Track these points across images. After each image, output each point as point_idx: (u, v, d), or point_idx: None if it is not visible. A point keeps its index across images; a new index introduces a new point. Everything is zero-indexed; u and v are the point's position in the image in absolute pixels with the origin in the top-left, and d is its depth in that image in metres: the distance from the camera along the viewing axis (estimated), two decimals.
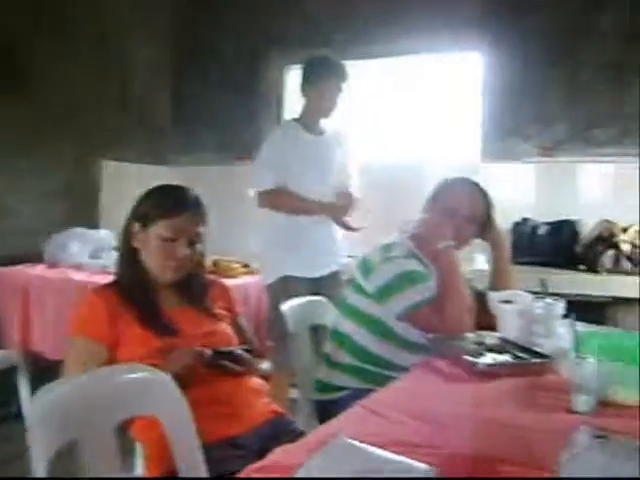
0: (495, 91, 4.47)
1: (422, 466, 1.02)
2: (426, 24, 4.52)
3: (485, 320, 2.30)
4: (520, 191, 4.40)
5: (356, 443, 1.10)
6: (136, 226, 2.05)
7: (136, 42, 5.01)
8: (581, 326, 2.17)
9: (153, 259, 2.04)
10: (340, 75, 3.62)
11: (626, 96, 4.13)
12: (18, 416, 3.63)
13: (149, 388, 1.58)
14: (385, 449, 1.13)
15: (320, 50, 4.43)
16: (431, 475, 1.01)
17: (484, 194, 2.52)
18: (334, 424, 1.46)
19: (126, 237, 2.08)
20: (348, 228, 3.70)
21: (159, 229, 2.01)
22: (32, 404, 1.37)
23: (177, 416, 1.62)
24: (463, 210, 2.43)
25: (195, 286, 2.15)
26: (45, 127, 4.31)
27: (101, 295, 2.01)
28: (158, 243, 2.02)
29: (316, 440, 1.26)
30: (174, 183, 2.18)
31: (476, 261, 3.44)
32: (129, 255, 2.08)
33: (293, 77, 5.26)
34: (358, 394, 1.82)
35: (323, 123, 3.74)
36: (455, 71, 4.77)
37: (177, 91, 5.39)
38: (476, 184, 2.53)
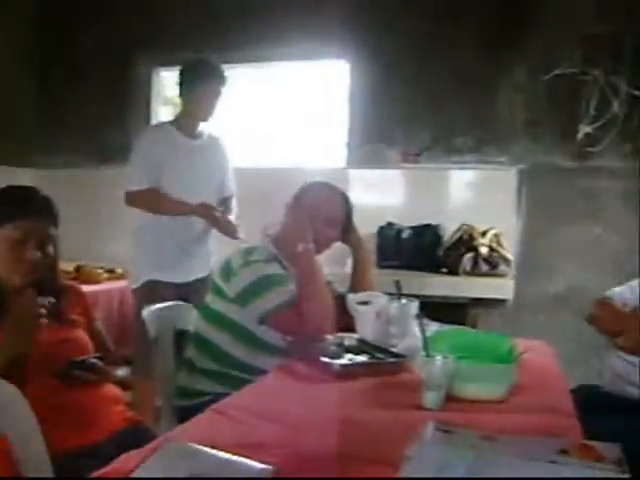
0: (360, 97, 4.57)
1: (259, 466, 1.02)
2: (290, 31, 4.58)
3: (345, 322, 2.34)
4: (385, 196, 4.51)
5: (192, 445, 1.09)
6: None
7: None
8: (437, 326, 2.24)
9: (2, 263, 1.96)
10: (219, 79, 3.57)
11: (485, 105, 4.31)
12: None
13: None
14: (229, 451, 1.12)
15: (187, 53, 4.41)
16: (267, 475, 1.01)
17: (344, 198, 2.57)
18: (179, 428, 1.44)
19: None
20: (232, 235, 3.59)
21: (6, 231, 1.94)
22: None
23: (23, 429, 1.55)
24: (322, 214, 2.46)
25: (48, 291, 2.07)
26: None
27: None
28: (6, 246, 1.94)
29: (154, 447, 1.24)
30: (40, 186, 2.10)
31: (347, 265, 3.49)
32: None
33: (161, 80, 5.22)
34: (219, 399, 1.81)
35: (201, 127, 3.66)
36: (323, 78, 4.85)
37: (43, 92, 5.20)
38: (335, 188, 2.57)
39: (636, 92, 3.95)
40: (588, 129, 4.05)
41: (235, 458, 1.05)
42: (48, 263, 2.02)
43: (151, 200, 3.49)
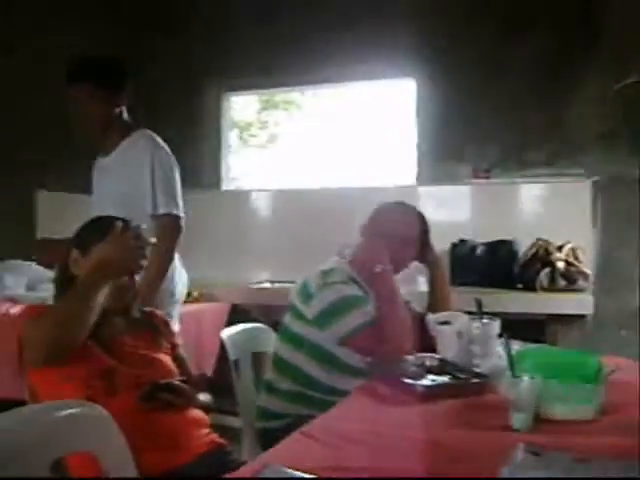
0: (428, 114, 4.56)
1: None
2: (356, 52, 4.60)
3: (425, 342, 2.32)
4: (456, 212, 4.48)
5: (289, 470, 1.09)
6: (75, 253, 2.03)
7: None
8: (518, 345, 2.20)
9: None
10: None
11: (555, 117, 4.25)
12: None
13: (85, 423, 1.54)
14: (322, 475, 1.12)
15: (254, 77, 4.47)
16: None
17: (420, 217, 2.56)
18: (271, 453, 1.45)
19: (65, 265, 2.05)
20: None
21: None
22: None
23: (114, 451, 1.58)
24: (399, 233, 2.45)
25: (136, 316, 2.14)
26: None
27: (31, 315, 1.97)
28: None
29: (251, 470, 1.25)
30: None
31: (418, 283, 3.47)
32: (68, 283, 2.04)
33: (231, 104, 5.30)
34: (300, 421, 1.81)
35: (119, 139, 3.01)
36: (389, 98, 4.86)
37: None
38: (411, 207, 2.57)
39: None
40: None
41: None
42: (134, 291, 2.08)
43: None
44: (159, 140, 2.99)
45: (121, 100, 2.99)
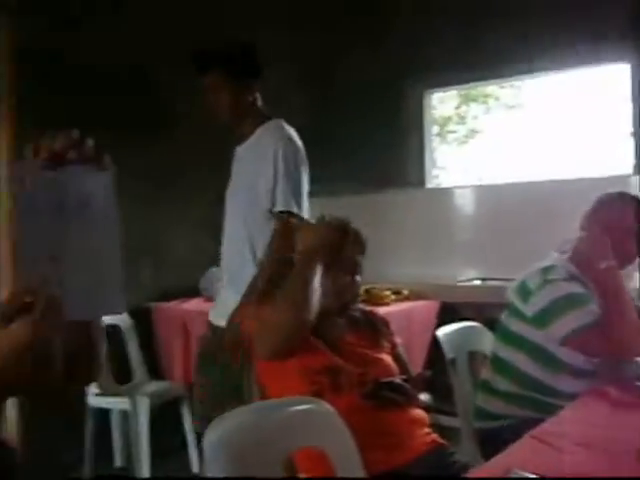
0: None
1: None
2: (569, 39, 4.39)
3: None
4: None
5: (532, 476, 1.07)
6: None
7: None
8: None
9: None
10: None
11: None
12: (182, 447, 3.82)
13: (315, 420, 1.60)
14: None
15: (455, 72, 4.41)
16: None
17: None
18: (505, 455, 1.42)
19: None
20: None
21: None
22: (206, 436, 1.41)
23: (342, 448, 1.62)
24: (624, 226, 2.31)
25: (356, 316, 2.18)
26: (188, 163, 4.47)
27: None
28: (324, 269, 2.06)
29: (487, 472, 1.24)
30: (319, 214, 2.22)
31: (635, 279, 3.26)
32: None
33: (432, 101, 5.27)
34: (520, 422, 1.77)
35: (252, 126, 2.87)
36: (599, 84, 4.61)
37: (314, 122, 5.48)
38: (635, 197, 2.41)
39: None
40: None
41: None
42: (354, 290, 2.12)
43: None
44: (290, 132, 2.81)
45: (254, 87, 2.85)
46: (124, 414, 3.72)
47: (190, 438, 3.76)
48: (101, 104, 3.87)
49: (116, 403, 3.64)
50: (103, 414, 3.76)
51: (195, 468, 3.73)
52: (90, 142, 0.95)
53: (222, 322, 2.59)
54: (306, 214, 2.69)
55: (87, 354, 1.22)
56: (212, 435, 1.41)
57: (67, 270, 0.92)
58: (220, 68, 2.76)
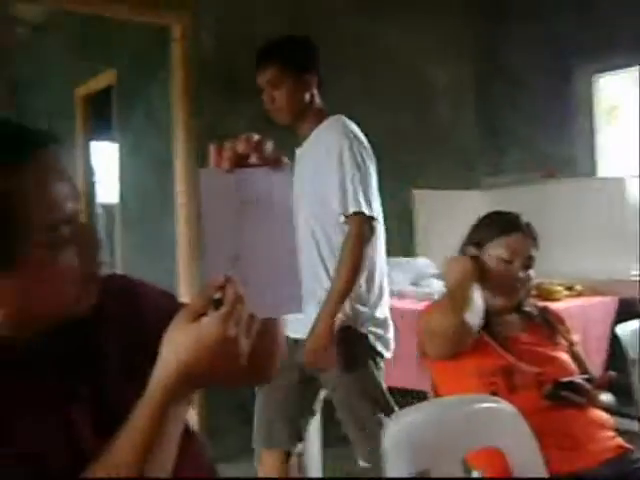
0: None
1: None
2: None
3: None
4: None
5: None
6: (471, 250, 2.07)
7: (434, 66, 5.09)
8: None
9: (488, 282, 2.03)
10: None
11: None
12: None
13: (496, 419, 1.57)
14: None
15: (626, 57, 4.18)
16: None
17: None
18: None
19: None
20: None
21: (496, 249, 2.02)
22: (387, 431, 1.42)
23: (523, 448, 1.59)
24: None
25: (531, 312, 2.12)
26: None
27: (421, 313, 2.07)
28: (494, 265, 2.02)
29: None
30: (487, 207, 2.18)
31: None
32: None
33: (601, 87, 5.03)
34: None
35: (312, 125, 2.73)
36: None
37: (481, 112, 5.38)
38: None
39: None
40: None
41: None
42: (528, 286, 2.06)
43: None
44: (353, 127, 2.65)
45: (312, 84, 2.70)
46: None
47: None
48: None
49: None
50: None
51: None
52: (269, 144, 0.98)
53: (300, 335, 2.47)
54: (378, 214, 2.56)
55: (267, 353, 1.25)
56: (394, 428, 1.41)
57: (249, 269, 0.95)
58: (275, 63, 2.64)
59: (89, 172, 6.07)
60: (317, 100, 2.72)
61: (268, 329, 1.15)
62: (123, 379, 1.09)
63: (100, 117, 5.77)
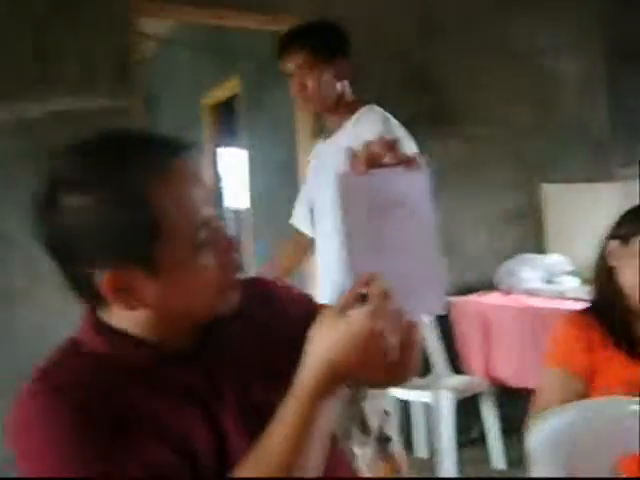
0: None
1: None
2: None
3: None
4: None
5: None
6: (614, 244, 1.97)
7: (563, 56, 4.91)
8: None
9: (633, 277, 1.92)
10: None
11: None
12: (478, 441, 3.82)
13: None
14: None
15: None
16: None
17: None
18: None
19: (602, 257, 2.00)
20: None
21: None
22: (532, 431, 1.37)
23: None
24: None
25: None
26: (478, 156, 4.44)
27: (574, 322, 1.95)
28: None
29: None
30: (622, 199, 2.06)
31: None
32: (606, 277, 1.98)
33: None
34: None
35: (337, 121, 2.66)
36: None
37: (613, 100, 5.14)
38: None
39: None
40: None
41: None
42: None
43: None
44: (387, 114, 2.55)
45: (344, 71, 2.61)
46: (426, 406, 3.76)
47: (492, 431, 3.74)
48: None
49: (418, 395, 3.69)
50: (403, 405, 3.85)
51: (496, 462, 3.71)
52: (403, 145, 1.00)
53: None
54: None
55: (408, 351, 1.24)
56: (539, 429, 1.36)
57: (392, 271, 0.94)
58: (301, 51, 2.54)
59: (217, 178, 6.25)
60: (349, 89, 2.64)
61: (407, 328, 1.16)
62: (265, 379, 1.11)
63: (226, 125, 5.93)
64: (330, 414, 0.94)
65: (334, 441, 1.01)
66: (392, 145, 0.97)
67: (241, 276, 1.11)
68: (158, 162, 0.98)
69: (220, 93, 5.77)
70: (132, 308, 0.99)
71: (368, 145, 0.97)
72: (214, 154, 6.22)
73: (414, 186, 0.97)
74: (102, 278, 0.97)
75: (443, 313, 0.97)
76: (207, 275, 1.01)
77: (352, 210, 0.97)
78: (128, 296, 0.98)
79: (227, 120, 5.90)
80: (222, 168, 6.32)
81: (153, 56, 6.42)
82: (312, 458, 0.93)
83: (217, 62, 5.57)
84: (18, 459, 0.96)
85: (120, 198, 0.95)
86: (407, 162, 0.97)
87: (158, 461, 0.94)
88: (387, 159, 0.97)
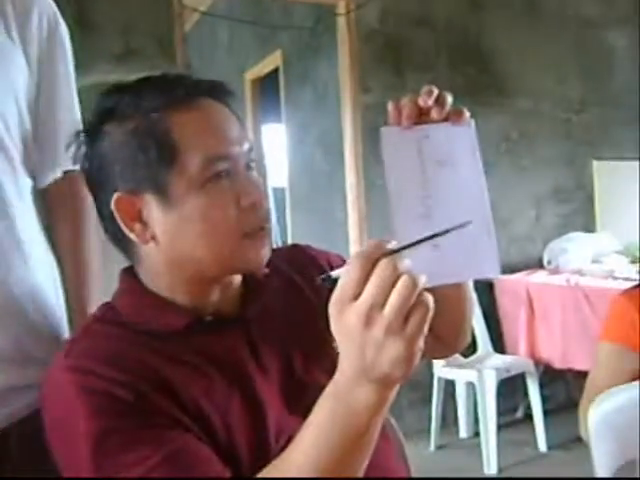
0: None
1: None
2: None
3: None
4: None
5: None
6: None
7: (613, 29, 4.75)
8: None
9: None
10: None
11: None
12: (523, 421, 3.76)
13: None
14: None
15: None
16: None
17: None
18: None
19: None
20: None
21: None
22: (591, 415, 1.31)
23: None
24: None
25: None
26: (527, 131, 4.35)
27: (632, 298, 1.88)
28: None
29: None
30: None
31: None
32: None
33: None
34: None
35: None
36: None
37: None
38: None
39: None
40: None
41: None
42: None
43: None
44: None
45: None
46: (470, 386, 3.71)
47: (536, 411, 3.65)
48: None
49: (462, 375, 3.65)
50: (448, 385, 3.80)
51: (540, 443, 3.63)
52: (449, 98, 0.93)
53: None
54: None
55: (457, 320, 1.18)
56: (599, 410, 1.30)
57: (439, 229, 0.87)
58: None
59: (260, 155, 6.19)
60: None
61: (456, 295, 1.12)
62: (305, 354, 1.07)
63: (269, 99, 5.87)
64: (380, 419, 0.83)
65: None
66: (439, 98, 0.92)
67: (271, 236, 1.05)
68: (185, 98, 0.99)
69: (262, 67, 5.71)
70: (145, 241, 0.98)
71: (412, 98, 0.93)
72: (258, 131, 6.14)
73: (461, 142, 0.93)
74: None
75: (497, 276, 0.91)
76: (218, 214, 0.96)
77: (397, 168, 0.92)
78: (141, 225, 0.98)
79: (269, 95, 5.83)
80: (265, 145, 6.24)
81: (194, 29, 6.39)
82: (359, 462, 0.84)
83: (258, 35, 5.51)
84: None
85: (146, 127, 0.97)
86: (454, 117, 0.93)
87: (180, 438, 0.90)
88: (434, 114, 0.92)
